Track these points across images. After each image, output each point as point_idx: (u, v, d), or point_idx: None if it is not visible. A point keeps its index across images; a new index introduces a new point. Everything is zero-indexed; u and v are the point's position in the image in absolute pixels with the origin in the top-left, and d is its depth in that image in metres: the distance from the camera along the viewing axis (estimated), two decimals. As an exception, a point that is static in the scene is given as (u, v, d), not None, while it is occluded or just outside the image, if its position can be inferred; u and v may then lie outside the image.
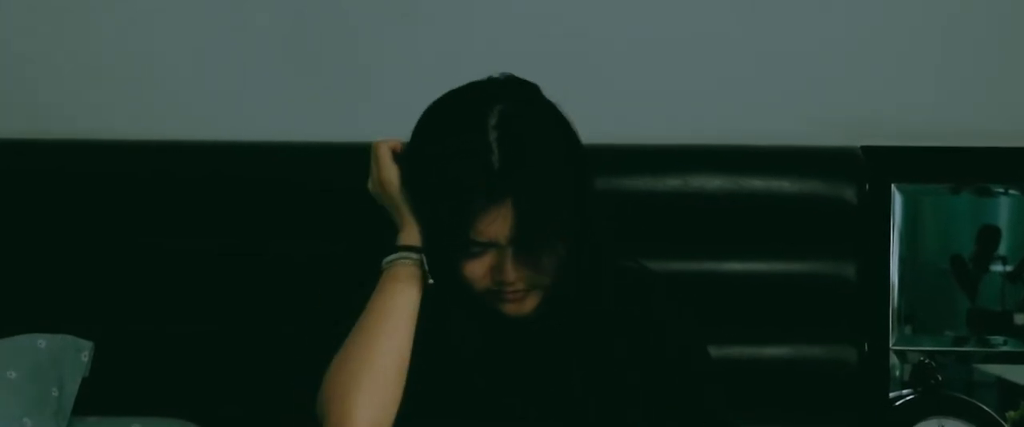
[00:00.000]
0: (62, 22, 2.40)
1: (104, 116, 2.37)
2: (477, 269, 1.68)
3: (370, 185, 1.77)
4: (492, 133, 1.65)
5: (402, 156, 1.75)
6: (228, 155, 2.26)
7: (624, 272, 1.82)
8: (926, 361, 2.30)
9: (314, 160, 2.22)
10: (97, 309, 2.20)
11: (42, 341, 2.09)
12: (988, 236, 2.35)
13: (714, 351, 2.10)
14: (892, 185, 2.30)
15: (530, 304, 1.71)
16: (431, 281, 1.70)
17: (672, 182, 2.21)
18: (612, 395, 1.73)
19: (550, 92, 1.73)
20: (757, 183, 2.21)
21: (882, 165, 2.28)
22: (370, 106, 2.34)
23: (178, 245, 2.22)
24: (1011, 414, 2.27)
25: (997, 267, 2.35)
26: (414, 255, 1.71)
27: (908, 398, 2.28)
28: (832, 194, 2.21)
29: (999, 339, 2.34)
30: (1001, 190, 2.34)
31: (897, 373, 2.31)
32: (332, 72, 2.37)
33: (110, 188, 2.24)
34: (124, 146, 2.27)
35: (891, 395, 2.30)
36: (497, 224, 1.64)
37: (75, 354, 2.11)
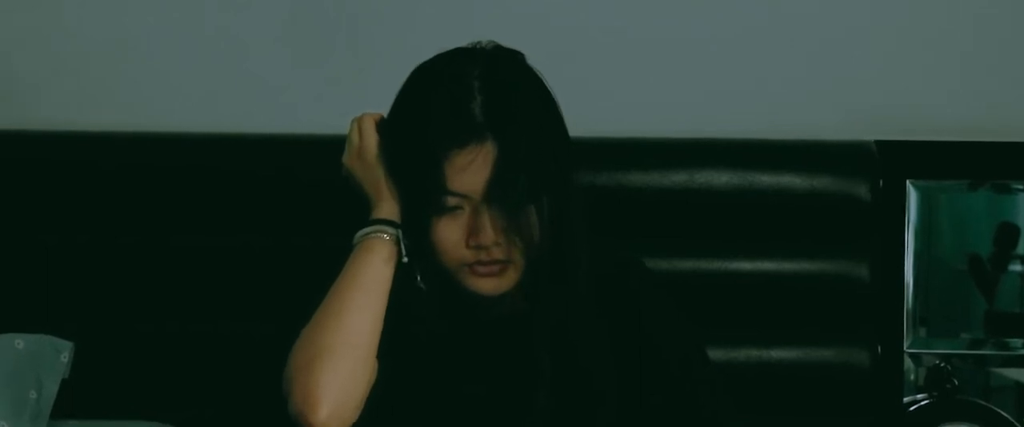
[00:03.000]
0: (46, 5, 2.39)
1: (88, 106, 2.36)
2: (452, 232, 1.66)
3: (346, 158, 1.75)
4: (475, 82, 1.65)
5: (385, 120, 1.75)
6: (213, 148, 2.25)
7: (607, 261, 1.79)
8: (942, 365, 2.29)
9: (308, 153, 2.21)
10: (77, 308, 2.19)
11: (20, 341, 2.08)
12: (1007, 234, 2.34)
13: (721, 353, 2.13)
14: (907, 181, 2.30)
15: (507, 281, 1.69)
16: (405, 259, 1.69)
17: (677, 177, 2.19)
18: (582, 388, 1.71)
19: (551, 84, 1.72)
20: (766, 179, 2.20)
21: (896, 160, 2.27)
22: (368, 97, 2.33)
23: (160, 242, 2.21)
24: (1030, 420, 2.28)
25: (1016, 267, 2.35)
26: (390, 229, 1.69)
27: (923, 403, 2.28)
28: (844, 190, 2.20)
29: (1018, 342, 2.34)
30: (1020, 187, 2.34)
31: (912, 377, 2.31)
32: (331, 62, 2.37)
33: (91, 182, 2.22)
34: (108, 138, 2.26)
35: (905, 400, 2.29)
36: (472, 171, 1.63)
37: (54, 355, 2.09)
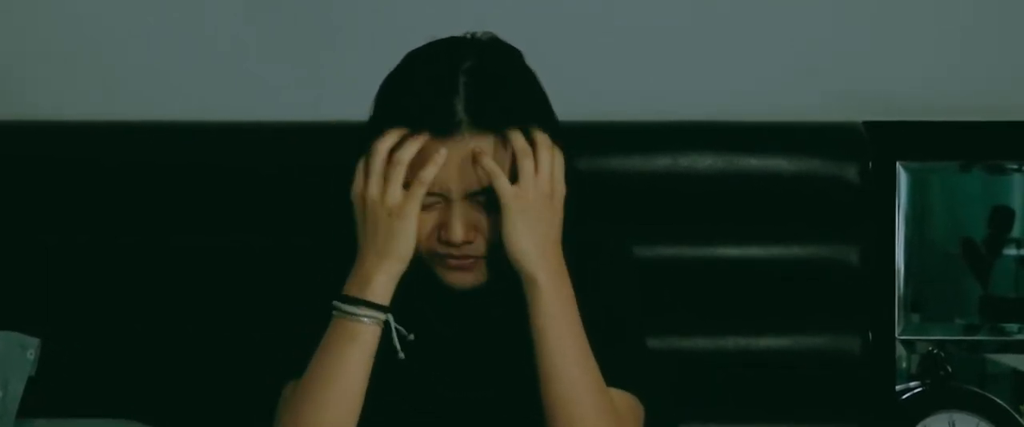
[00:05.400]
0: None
1: (87, 103, 2.36)
2: (424, 224, 1.64)
3: (354, 190, 1.67)
4: (462, 77, 1.63)
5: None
6: (214, 144, 2.25)
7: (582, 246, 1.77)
8: (935, 351, 2.29)
9: (309, 147, 2.22)
10: (43, 304, 2.18)
11: (-16, 338, 2.07)
12: (1001, 217, 2.35)
13: (708, 342, 2.17)
14: (897, 163, 2.30)
15: (480, 275, 1.68)
16: (401, 355, 1.67)
17: (661, 161, 2.19)
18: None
19: (532, 68, 1.73)
20: (752, 161, 2.19)
21: (886, 141, 2.27)
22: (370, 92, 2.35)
23: (129, 237, 2.20)
24: (1026, 407, 2.27)
25: (1011, 250, 2.35)
26: (379, 315, 1.64)
27: (916, 391, 2.27)
28: (833, 173, 2.19)
29: (1013, 327, 2.34)
30: (1014, 167, 2.34)
31: (904, 364, 2.31)
32: (332, 59, 2.38)
33: (60, 174, 2.22)
34: (108, 133, 2.26)
35: (898, 388, 2.29)
36: (447, 168, 1.61)
37: (21, 352, 2.08)
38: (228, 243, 2.20)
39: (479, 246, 1.66)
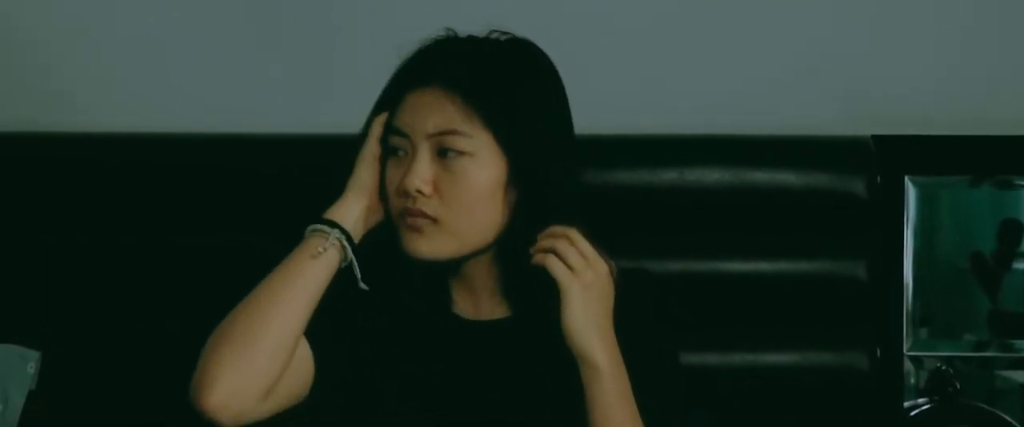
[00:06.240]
0: (46, 5, 2.40)
1: (89, 106, 2.38)
2: (393, 177, 1.69)
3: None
4: (466, 47, 1.70)
5: None
6: (214, 147, 2.25)
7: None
8: (943, 367, 2.29)
9: (309, 152, 2.22)
10: (43, 304, 2.18)
11: (-16, 352, 2.08)
12: (1010, 231, 2.34)
13: (714, 357, 2.16)
14: (906, 177, 2.30)
15: (432, 244, 1.67)
16: (363, 286, 1.69)
17: (667, 175, 2.18)
18: (530, 399, 1.71)
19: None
20: (759, 176, 2.19)
21: (895, 156, 2.27)
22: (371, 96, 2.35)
23: (129, 237, 2.20)
24: (1035, 424, 2.27)
25: (1020, 265, 2.34)
26: (326, 228, 1.69)
27: (924, 408, 2.28)
28: (840, 187, 2.19)
29: (1023, 343, 2.33)
30: (1023, 182, 2.32)
31: (912, 380, 2.30)
32: (331, 61, 2.38)
33: (60, 175, 2.22)
34: (109, 138, 2.26)
35: (906, 404, 2.29)
36: (415, 110, 1.66)
37: (21, 365, 2.09)
38: (228, 243, 2.20)
39: (435, 206, 1.66)
